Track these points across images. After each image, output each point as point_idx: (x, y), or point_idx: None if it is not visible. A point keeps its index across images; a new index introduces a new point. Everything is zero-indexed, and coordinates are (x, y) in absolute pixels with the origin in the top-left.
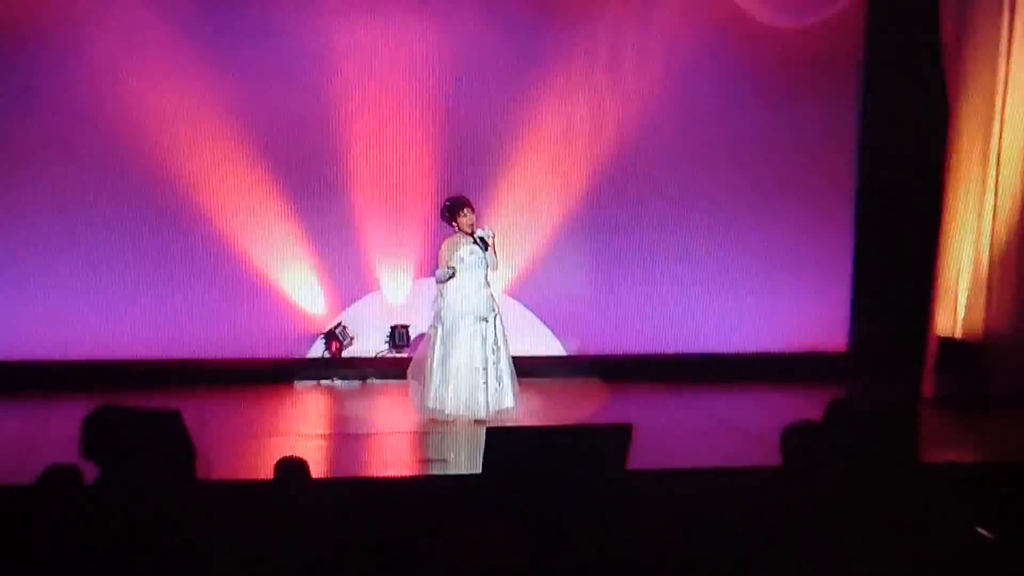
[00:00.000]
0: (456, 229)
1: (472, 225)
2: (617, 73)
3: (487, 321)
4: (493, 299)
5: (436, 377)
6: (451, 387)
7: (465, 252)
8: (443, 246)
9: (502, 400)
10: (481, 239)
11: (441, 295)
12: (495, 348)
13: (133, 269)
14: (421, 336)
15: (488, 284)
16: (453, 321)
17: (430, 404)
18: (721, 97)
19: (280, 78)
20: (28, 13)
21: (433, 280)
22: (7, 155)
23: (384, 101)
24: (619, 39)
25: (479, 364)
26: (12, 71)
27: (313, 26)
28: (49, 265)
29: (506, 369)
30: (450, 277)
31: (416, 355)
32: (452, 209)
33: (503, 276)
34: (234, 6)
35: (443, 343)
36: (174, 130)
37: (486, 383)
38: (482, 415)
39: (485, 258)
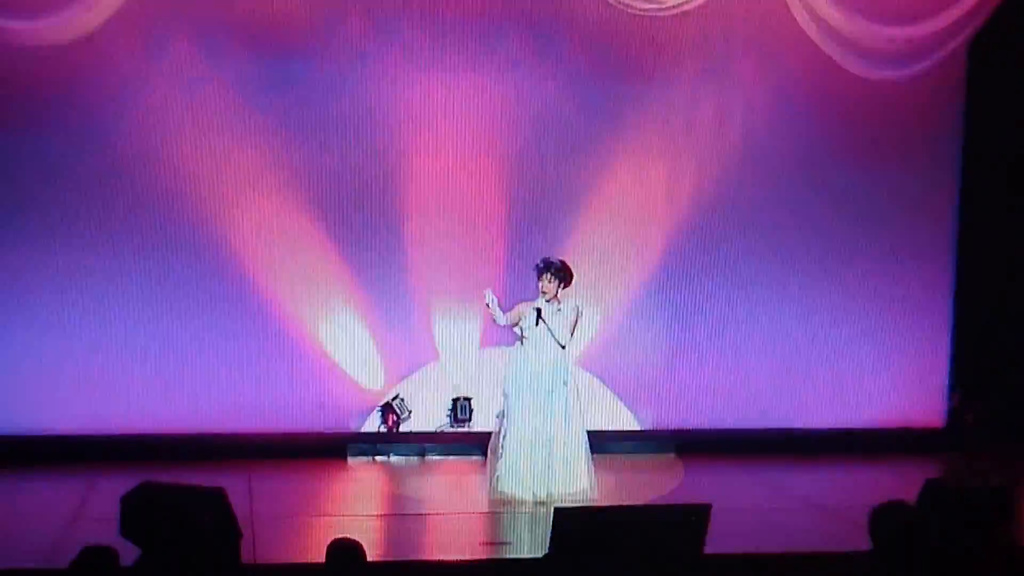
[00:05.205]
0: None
1: (547, 293)
2: (694, 133)
3: (554, 393)
4: (567, 370)
5: (499, 452)
6: (510, 464)
7: (531, 316)
8: (520, 303)
9: (572, 481)
10: (537, 310)
11: (508, 363)
12: (565, 424)
13: (176, 336)
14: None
15: (563, 353)
16: (516, 392)
17: (492, 482)
18: (806, 156)
19: (338, 134)
20: (78, 61)
21: (500, 350)
22: (47, 216)
23: (449, 161)
24: (697, 96)
25: (542, 440)
26: (56, 122)
27: (374, 80)
28: (87, 333)
29: (578, 447)
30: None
31: (495, 428)
32: (538, 269)
33: (574, 344)
34: (290, 59)
35: (507, 416)
36: (224, 188)
37: (549, 461)
38: (543, 495)
39: (550, 329)
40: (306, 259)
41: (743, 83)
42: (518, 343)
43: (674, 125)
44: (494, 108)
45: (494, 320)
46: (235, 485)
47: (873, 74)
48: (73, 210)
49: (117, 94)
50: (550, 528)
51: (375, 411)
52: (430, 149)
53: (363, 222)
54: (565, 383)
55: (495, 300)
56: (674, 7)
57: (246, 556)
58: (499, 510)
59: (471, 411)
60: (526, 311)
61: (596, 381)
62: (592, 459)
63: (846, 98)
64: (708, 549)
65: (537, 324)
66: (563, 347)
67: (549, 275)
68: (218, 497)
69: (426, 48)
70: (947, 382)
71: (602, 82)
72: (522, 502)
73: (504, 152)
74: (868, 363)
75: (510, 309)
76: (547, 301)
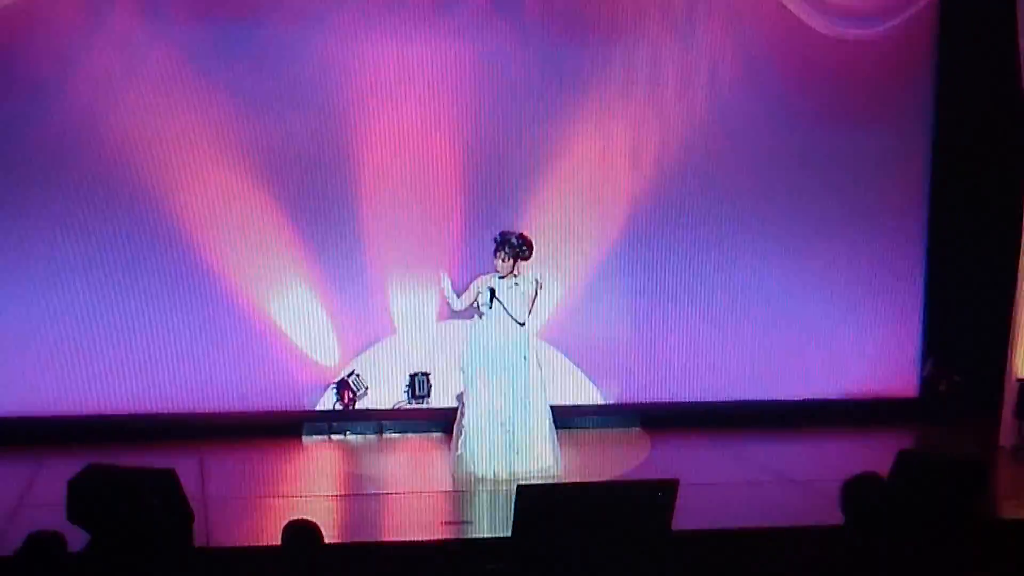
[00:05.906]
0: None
1: (500, 271)
2: (657, 94)
3: (514, 369)
4: (527, 345)
5: (461, 431)
6: (472, 442)
7: (485, 295)
8: (476, 279)
9: (536, 459)
10: (491, 289)
11: (466, 339)
12: (526, 400)
13: (122, 312)
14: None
15: (522, 329)
16: (475, 369)
17: (454, 460)
18: (773, 118)
19: (290, 101)
20: (15, 27)
21: (459, 323)
22: None
23: (402, 127)
24: (660, 57)
25: (503, 417)
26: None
27: (328, 44)
28: (29, 310)
29: (541, 423)
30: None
31: (458, 407)
32: (495, 244)
33: (535, 317)
34: (237, 23)
35: (466, 394)
36: (170, 158)
37: (511, 440)
38: (505, 474)
39: (506, 309)
40: (257, 230)
41: (708, 44)
42: (476, 318)
43: (638, 88)
44: (452, 72)
45: (449, 306)
46: (186, 466)
47: (841, 32)
48: (13, 182)
49: (57, 62)
50: (513, 507)
51: (330, 388)
52: (386, 115)
53: (317, 192)
54: (525, 358)
55: (449, 284)
56: None
57: (198, 539)
58: (461, 489)
59: (429, 387)
60: (482, 287)
61: (559, 354)
62: (556, 435)
63: (814, 59)
64: (676, 525)
65: (491, 306)
66: (521, 325)
67: (504, 253)
68: (168, 479)
69: (382, 9)
70: (920, 351)
71: (563, 44)
72: (484, 480)
73: (463, 117)
74: (839, 332)
75: (468, 285)
76: (501, 278)
